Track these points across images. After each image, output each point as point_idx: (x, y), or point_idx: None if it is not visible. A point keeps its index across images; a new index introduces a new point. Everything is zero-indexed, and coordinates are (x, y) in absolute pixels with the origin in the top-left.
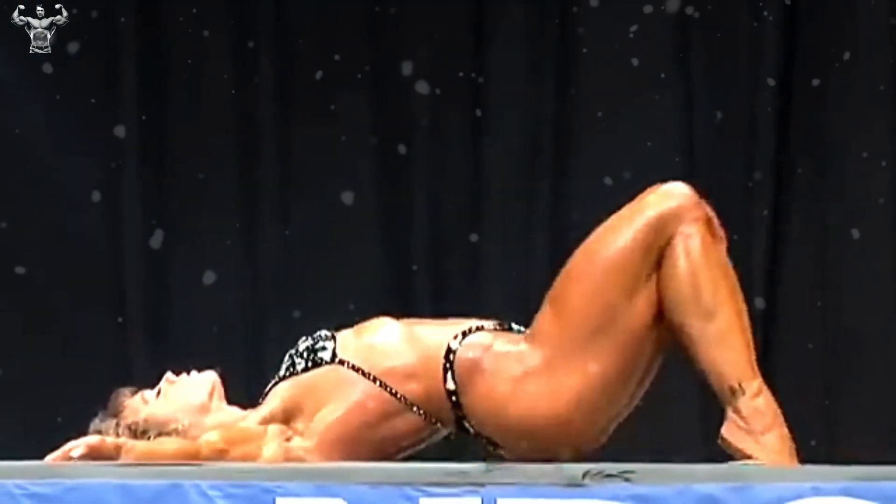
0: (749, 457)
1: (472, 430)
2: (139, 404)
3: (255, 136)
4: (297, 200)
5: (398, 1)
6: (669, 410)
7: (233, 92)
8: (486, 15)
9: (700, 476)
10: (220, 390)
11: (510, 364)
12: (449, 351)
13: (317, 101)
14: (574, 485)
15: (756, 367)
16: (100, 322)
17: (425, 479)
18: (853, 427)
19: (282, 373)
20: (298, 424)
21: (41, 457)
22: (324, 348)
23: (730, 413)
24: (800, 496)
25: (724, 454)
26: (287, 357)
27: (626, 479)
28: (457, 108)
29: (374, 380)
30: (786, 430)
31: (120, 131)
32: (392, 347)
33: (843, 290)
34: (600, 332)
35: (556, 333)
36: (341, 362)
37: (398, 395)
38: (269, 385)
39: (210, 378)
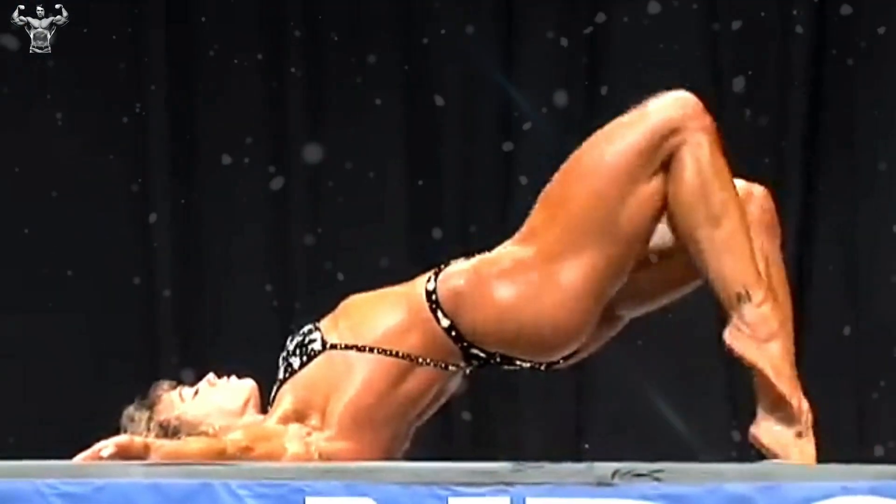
0: (752, 364)
1: (483, 354)
2: (175, 400)
3: (285, 142)
4: (326, 202)
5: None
6: (700, 410)
7: (263, 96)
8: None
9: (729, 475)
10: (256, 400)
11: (493, 268)
12: (428, 294)
13: (350, 103)
14: (604, 484)
15: (763, 276)
16: (131, 322)
17: (454, 479)
18: (885, 425)
19: (282, 376)
20: (313, 420)
21: (71, 456)
22: (313, 340)
23: (734, 319)
24: (829, 495)
25: (754, 454)
26: (281, 360)
27: (656, 479)
28: (486, 112)
29: (371, 349)
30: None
31: (151, 133)
32: (374, 314)
33: (874, 287)
34: (595, 233)
35: (552, 231)
36: (333, 346)
37: (400, 354)
38: (274, 391)
39: (248, 386)
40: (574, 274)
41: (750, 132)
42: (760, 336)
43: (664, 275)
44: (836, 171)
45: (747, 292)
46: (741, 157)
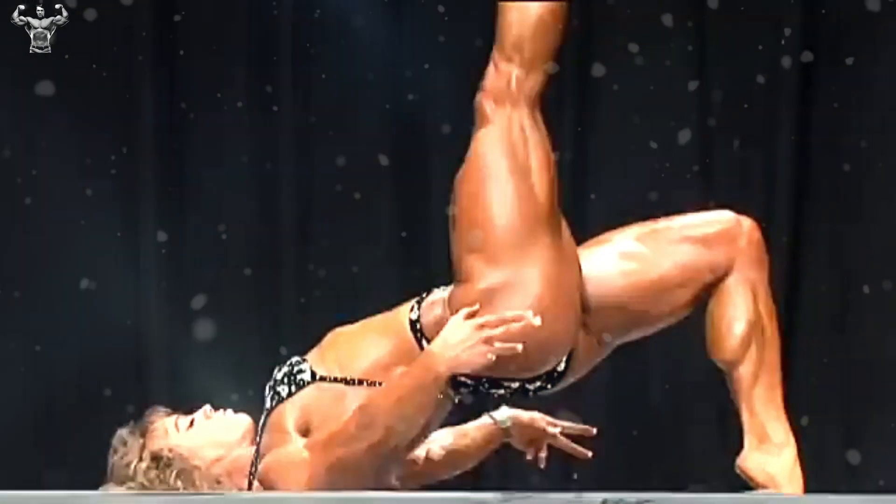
0: None
1: (467, 380)
2: (170, 429)
3: (275, 185)
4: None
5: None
6: (688, 439)
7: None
8: None
9: None
10: (252, 435)
11: (467, 299)
12: (412, 323)
13: (337, 123)
14: None
15: None
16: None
17: None
18: (873, 454)
19: (269, 404)
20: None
21: (62, 486)
22: (301, 371)
23: None
24: None
25: (742, 483)
26: (268, 390)
27: None
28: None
29: (360, 382)
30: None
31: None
32: (361, 347)
33: (863, 317)
34: (520, 223)
35: (494, 255)
36: (322, 378)
37: None
38: (262, 419)
39: (245, 421)
40: (531, 275)
41: (737, 164)
42: None
43: (653, 303)
44: (825, 201)
45: None
46: (730, 189)
